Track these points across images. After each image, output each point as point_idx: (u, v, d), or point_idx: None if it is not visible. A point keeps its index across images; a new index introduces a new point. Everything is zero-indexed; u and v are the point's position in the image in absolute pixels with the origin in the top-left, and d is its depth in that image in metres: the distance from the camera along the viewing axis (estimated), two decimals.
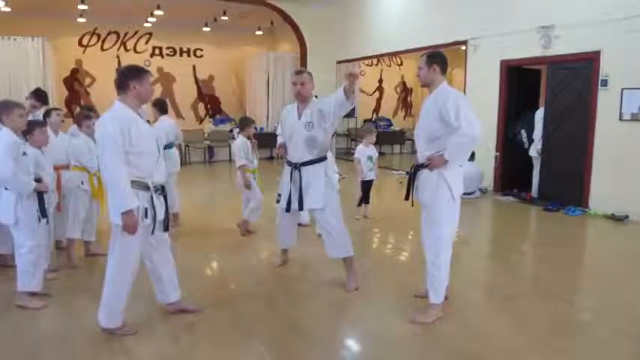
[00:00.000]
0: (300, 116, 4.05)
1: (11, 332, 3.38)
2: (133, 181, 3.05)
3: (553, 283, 4.32)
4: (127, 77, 3.13)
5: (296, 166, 4.07)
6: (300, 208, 4.12)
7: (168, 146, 5.90)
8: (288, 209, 4.20)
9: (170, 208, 5.98)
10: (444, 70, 3.49)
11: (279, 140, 4.50)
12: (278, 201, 4.30)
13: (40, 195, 3.75)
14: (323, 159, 4.09)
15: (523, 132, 8.21)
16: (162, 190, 3.26)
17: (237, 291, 4.17)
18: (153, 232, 3.21)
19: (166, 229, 3.35)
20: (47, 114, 4.87)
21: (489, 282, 4.54)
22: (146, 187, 3.13)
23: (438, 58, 3.50)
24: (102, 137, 3.02)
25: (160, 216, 3.22)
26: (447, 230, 3.51)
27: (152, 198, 3.14)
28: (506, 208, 7.61)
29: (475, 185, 8.08)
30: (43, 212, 3.74)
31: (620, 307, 3.82)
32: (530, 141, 8.07)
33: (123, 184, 2.99)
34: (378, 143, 6.70)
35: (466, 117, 3.27)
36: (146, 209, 3.11)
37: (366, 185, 6.57)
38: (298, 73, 4.09)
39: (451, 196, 3.45)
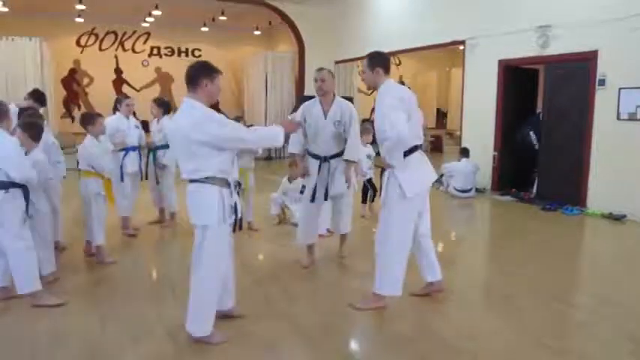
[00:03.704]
0: (325, 114, 4.40)
1: (10, 332, 3.38)
2: (216, 178, 3.00)
3: (551, 283, 4.33)
4: (200, 74, 3.01)
5: (325, 159, 4.43)
6: (325, 198, 4.51)
7: (164, 146, 5.88)
8: (312, 199, 4.49)
9: (168, 207, 6.09)
10: (386, 70, 3.56)
11: (295, 150, 4.60)
12: (302, 192, 4.66)
13: (26, 195, 3.68)
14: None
15: (532, 133, 8.22)
16: (238, 186, 3.28)
17: (237, 291, 4.15)
18: (234, 230, 3.19)
19: (240, 227, 3.33)
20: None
21: (488, 282, 4.55)
22: (228, 184, 3.09)
23: (380, 60, 3.56)
24: (214, 123, 2.96)
25: (239, 214, 3.20)
26: (396, 230, 3.53)
27: (232, 194, 3.10)
28: (504, 208, 7.62)
29: (471, 183, 8.10)
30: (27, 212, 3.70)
31: (619, 307, 3.83)
32: (540, 141, 8.08)
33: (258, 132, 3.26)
34: (375, 142, 6.75)
35: (390, 119, 3.32)
36: (232, 206, 3.08)
37: (369, 183, 6.64)
38: (319, 70, 4.48)
39: (402, 194, 3.46)
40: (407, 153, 3.48)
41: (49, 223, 4.26)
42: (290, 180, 6.28)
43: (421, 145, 3.67)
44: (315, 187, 4.45)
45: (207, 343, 3.15)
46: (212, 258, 3.09)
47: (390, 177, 3.55)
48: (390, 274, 3.60)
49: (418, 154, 3.59)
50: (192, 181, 3.05)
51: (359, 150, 4.71)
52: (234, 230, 3.23)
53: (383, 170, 3.72)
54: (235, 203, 3.12)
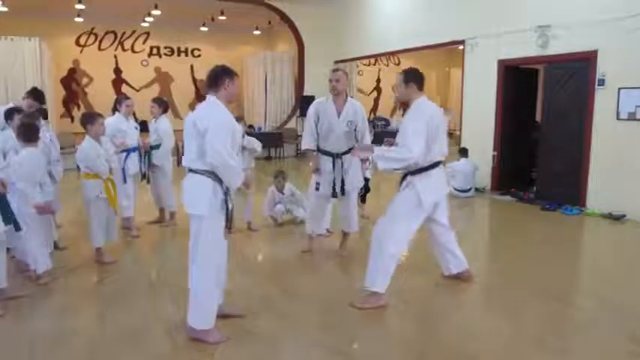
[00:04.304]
0: (339, 114, 4.61)
1: (10, 332, 3.37)
2: (211, 172, 3.07)
3: (551, 283, 4.33)
4: (222, 74, 3.19)
5: (337, 156, 4.65)
6: (343, 192, 4.69)
7: (158, 146, 5.88)
8: (334, 195, 4.72)
9: (167, 207, 6.08)
10: (420, 87, 3.74)
11: (309, 147, 4.81)
12: (317, 189, 4.78)
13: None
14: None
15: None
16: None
17: (236, 290, 4.15)
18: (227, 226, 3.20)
19: (229, 229, 3.28)
20: (10, 116, 4.61)
21: (487, 282, 4.54)
22: (222, 180, 3.12)
23: (415, 76, 3.75)
24: (216, 125, 3.03)
25: (229, 213, 3.19)
26: (399, 229, 3.69)
27: (225, 190, 3.14)
28: (504, 208, 7.62)
29: (470, 183, 8.10)
30: (5, 218, 3.61)
31: (619, 307, 3.82)
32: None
33: (238, 165, 3.14)
34: (375, 142, 6.71)
35: (409, 143, 3.54)
36: (222, 201, 3.12)
37: (365, 184, 6.60)
38: (335, 70, 4.68)
39: (418, 202, 3.68)
40: (430, 167, 3.73)
41: (44, 223, 4.24)
42: (280, 190, 6.21)
43: (442, 161, 3.87)
44: (334, 182, 4.67)
45: (203, 341, 3.14)
46: (207, 248, 3.13)
47: (409, 185, 3.74)
48: (386, 273, 3.71)
49: (439, 169, 3.82)
50: (190, 170, 3.14)
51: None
52: (227, 228, 3.22)
53: (404, 176, 3.84)
54: (226, 201, 3.13)
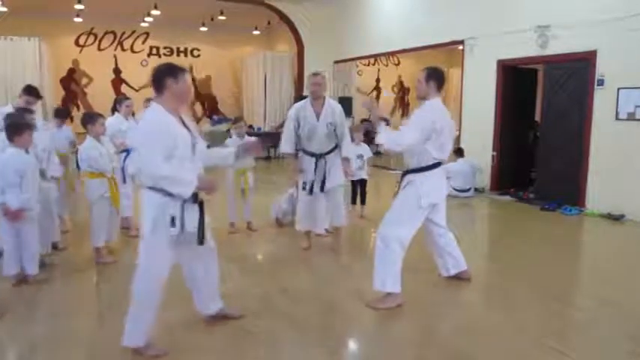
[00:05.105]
0: (318, 116, 4.73)
1: (10, 333, 3.37)
2: (156, 187, 2.81)
3: (551, 283, 4.33)
4: (164, 75, 2.86)
5: (321, 156, 4.78)
6: (322, 190, 4.82)
7: None
8: (311, 192, 4.85)
9: None
10: (439, 87, 3.79)
11: (288, 150, 4.93)
12: (304, 188, 4.90)
13: None
14: (337, 145, 4.85)
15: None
16: (195, 198, 2.91)
17: (235, 290, 4.16)
18: (195, 242, 2.96)
19: (200, 242, 2.98)
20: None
21: (486, 282, 4.55)
22: (172, 195, 2.82)
23: (435, 75, 3.78)
24: (142, 134, 2.86)
25: (190, 227, 2.89)
26: (403, 231, 3.69)
27: (183, 206, 2.84)
28: (503, 208, 7.62)
29: (469, 183, 8.11)
30: None
31: (618, 307, 3.82)
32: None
33: (173, 175, 2.78)
34: (371, 143, 6.69)
35: (405, 131, 3.67)
36: (173, 218, 2.83)
37: (360, 184, 6.57)
38: (315, 74, 4.77)
39: (418, 202, 3.68)
40: (431, 167, 3.75)
41: (34, 224, 4.19)
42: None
43: (442, 162, 3.88)
44: (313, 181, 4.80)
45: (140, 354, 2.99)
46: (142, 268, 2.92)
47: (410, 184, 3.76)
48: (393, 273, 3.68)
49: (440, 170, 3.83)
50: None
51: (351, 148, 5.14)
52: (200, 243, 2.99)
53: (404, 174, 3.86)
54: (177, 217, 2.83)
